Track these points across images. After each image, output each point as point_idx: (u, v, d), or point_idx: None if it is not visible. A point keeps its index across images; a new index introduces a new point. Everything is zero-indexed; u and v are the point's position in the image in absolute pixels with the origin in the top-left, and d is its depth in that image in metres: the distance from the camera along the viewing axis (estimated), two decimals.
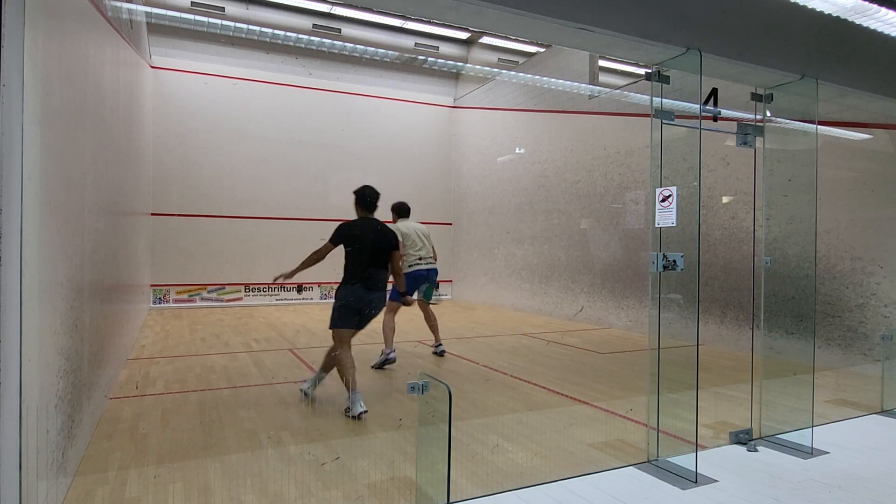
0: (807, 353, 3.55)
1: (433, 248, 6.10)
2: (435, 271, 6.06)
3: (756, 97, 3.65)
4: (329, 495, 2.62)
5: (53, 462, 2.31)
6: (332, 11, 11.45)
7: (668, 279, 3.02)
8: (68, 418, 2.63)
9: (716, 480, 2.83)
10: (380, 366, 5.50)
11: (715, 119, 3.31)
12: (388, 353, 5.50)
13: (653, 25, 2.94)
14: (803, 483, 2.82)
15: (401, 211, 6.10)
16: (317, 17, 11.64)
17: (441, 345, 6.23)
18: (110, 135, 4.34)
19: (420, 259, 5.91)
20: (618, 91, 8.97)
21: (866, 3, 3.33)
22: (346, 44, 10.76)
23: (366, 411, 3.87)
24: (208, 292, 11.10)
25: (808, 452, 3.24)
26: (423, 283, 5.95)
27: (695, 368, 2.98)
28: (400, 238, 5.00)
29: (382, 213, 4.86)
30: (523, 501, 2.57)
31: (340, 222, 4.62)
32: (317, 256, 4.40)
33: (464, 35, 12.62)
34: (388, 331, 5.61)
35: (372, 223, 4.54)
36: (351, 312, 4.30)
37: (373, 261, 4.42)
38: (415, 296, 5.79)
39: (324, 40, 10.31)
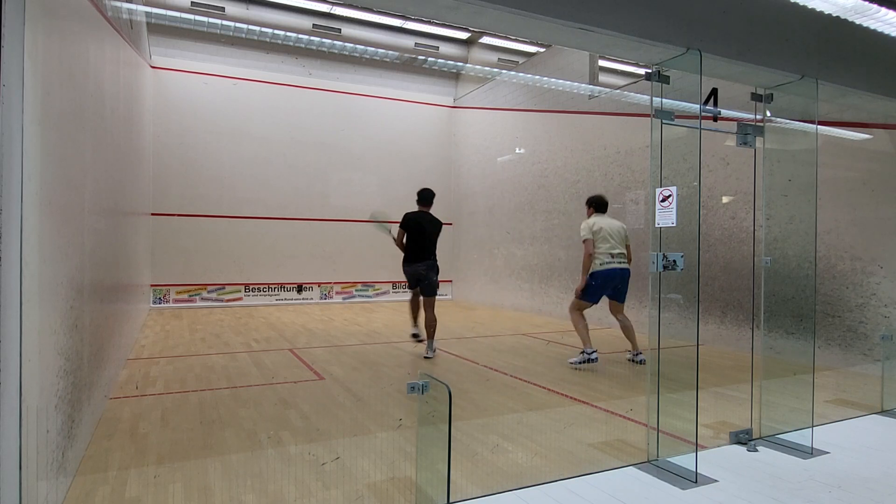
0: (807, 353, 3.55)
1: (628, 246, 5.71)
2: (622, 271, 5.61)
3: (756, 97, 3.65)
4: (329, 495, 2.62)
5: (53, 462, 2.31)
6: (332, 11, 11.45)
7: (668, 279, 3.02)
8: (68, 418, 2.63)
9: (716, 480, 2.83)
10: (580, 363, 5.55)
11: (715, 119, 3.31)
12: (590, 354, 5.50)
13: (653, 25, 2.94)
14: (803, 483, 2.82)
15: (598, 205, 5.86)
16: (317, 17, 11.64)
17: (640, 353, 5.78)
18: (110, 135, 4.34)
19: (612, 257, 5.55)
20: (618, 91, 8.97)
21: (866, 3, 3.33)
22: (346, 44, 10.76)
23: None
24: (208, 292, 11.10)
25: (808, 452, 3.24)
26: (616, 283, 5.61)
27: (695, 368, 2.98)
28: (586, 234, 5.63)
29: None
30: (523, 501, 2.57)
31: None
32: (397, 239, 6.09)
33: (464, 35, 12.62)
34: (581, 329, 5.64)
35: (421, 214, 6.12)
36: (409, 279, 6.15)
37: (419, 241, 6.01)
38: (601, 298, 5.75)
39: (324, 40, 10.31)
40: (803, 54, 3.51)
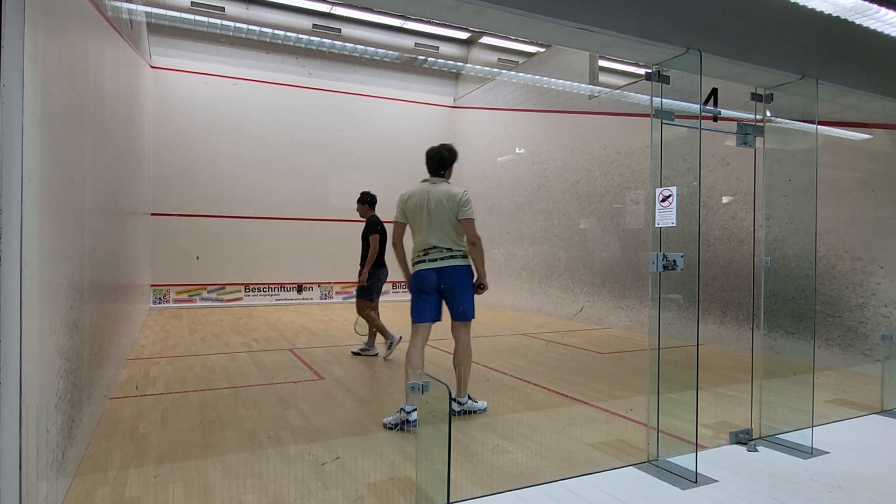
0: (807, 353, 3.55)
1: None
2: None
3: (756, 97, 3.65)
4: (329, 495, 2.62)
5: (53, 462, 2.31)
6: (332, 11, 11.45)
7: (668, 279, 3.02)
8: (68, 418, 2.63)
9: (716, 480, 2.83)
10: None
11: (715, 119, 3.31)
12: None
13: (653, 25, 2.94)
14: (803, 483, 2.82)
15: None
16: (317, 17, 11.64)
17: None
18: (110, 135, 4.34)
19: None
20: (618, 91, 8.97)
21: (866, 3, 3.33)
22: (346, 44, 10.76)
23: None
24: (208, 292, 11.10)
25: (808, 452, 3.24)
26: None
27: (695, 368, 2.98)
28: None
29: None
30: (523, 501, 2.57)
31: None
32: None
33: (464, 35, 12.61)
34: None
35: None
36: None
37: None
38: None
39: (324, 40, 10.31)
40: (803, 54, 3.51)
